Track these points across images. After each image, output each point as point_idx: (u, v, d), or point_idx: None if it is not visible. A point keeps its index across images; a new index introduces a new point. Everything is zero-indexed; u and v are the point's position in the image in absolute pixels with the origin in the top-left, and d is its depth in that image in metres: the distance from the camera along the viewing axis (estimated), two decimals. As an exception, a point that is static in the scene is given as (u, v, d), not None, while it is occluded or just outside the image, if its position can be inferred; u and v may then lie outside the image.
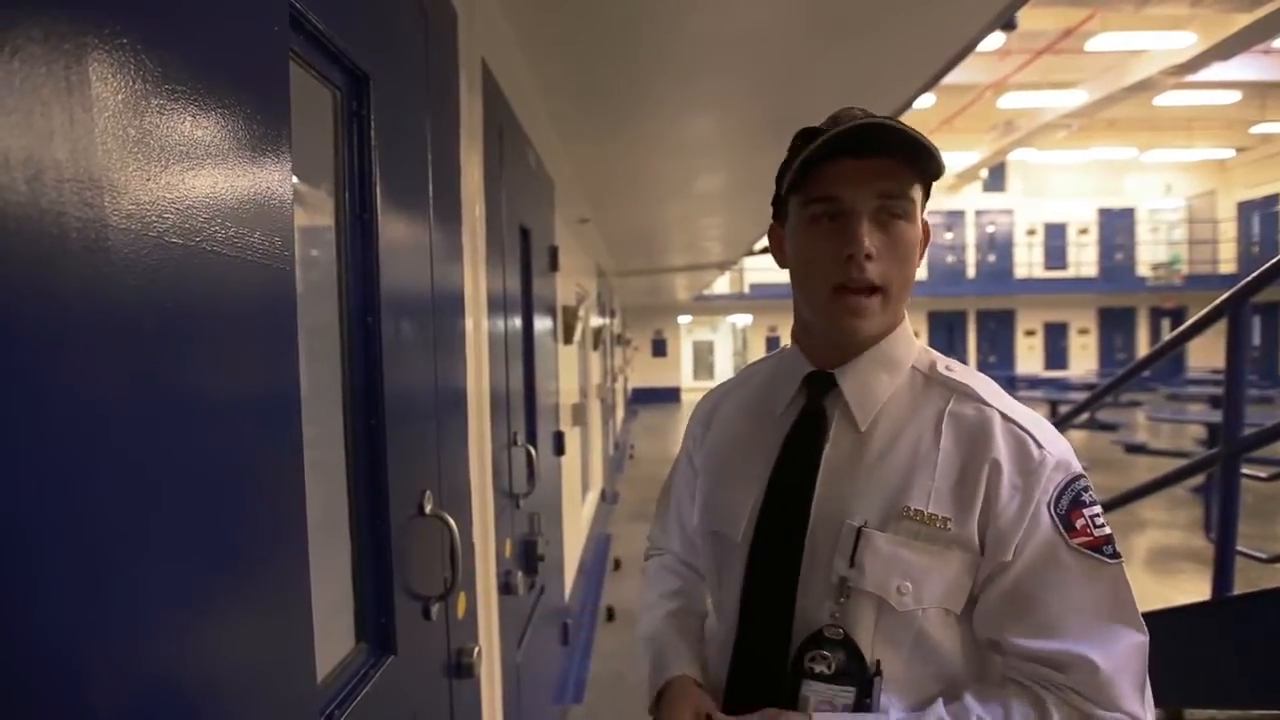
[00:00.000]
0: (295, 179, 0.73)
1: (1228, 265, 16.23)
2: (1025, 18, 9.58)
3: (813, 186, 0.68)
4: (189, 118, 0.49)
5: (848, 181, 0.66)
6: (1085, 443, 8.59)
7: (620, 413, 9.54)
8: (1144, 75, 9.17)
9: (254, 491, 0.58)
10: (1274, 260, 1.91)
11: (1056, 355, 17.17)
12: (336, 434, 0.84)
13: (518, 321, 1.88)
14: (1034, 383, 14.50)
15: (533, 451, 1.76)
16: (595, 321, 4.90)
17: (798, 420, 0.74)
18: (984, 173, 16.11)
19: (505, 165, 1.67)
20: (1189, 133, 14.95)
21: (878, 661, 0.66)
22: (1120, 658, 0.61)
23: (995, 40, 8.74)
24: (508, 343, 1.66)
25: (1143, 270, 16.75)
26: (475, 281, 1.39)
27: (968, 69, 11.27)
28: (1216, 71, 9.73)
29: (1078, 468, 0.66)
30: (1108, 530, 0.65)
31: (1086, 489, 0.65)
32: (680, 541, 0.90)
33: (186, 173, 0.49)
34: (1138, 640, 0.63)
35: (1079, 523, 0.64)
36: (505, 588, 1.55)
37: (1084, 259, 16.83)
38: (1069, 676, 0.61)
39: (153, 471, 0.45)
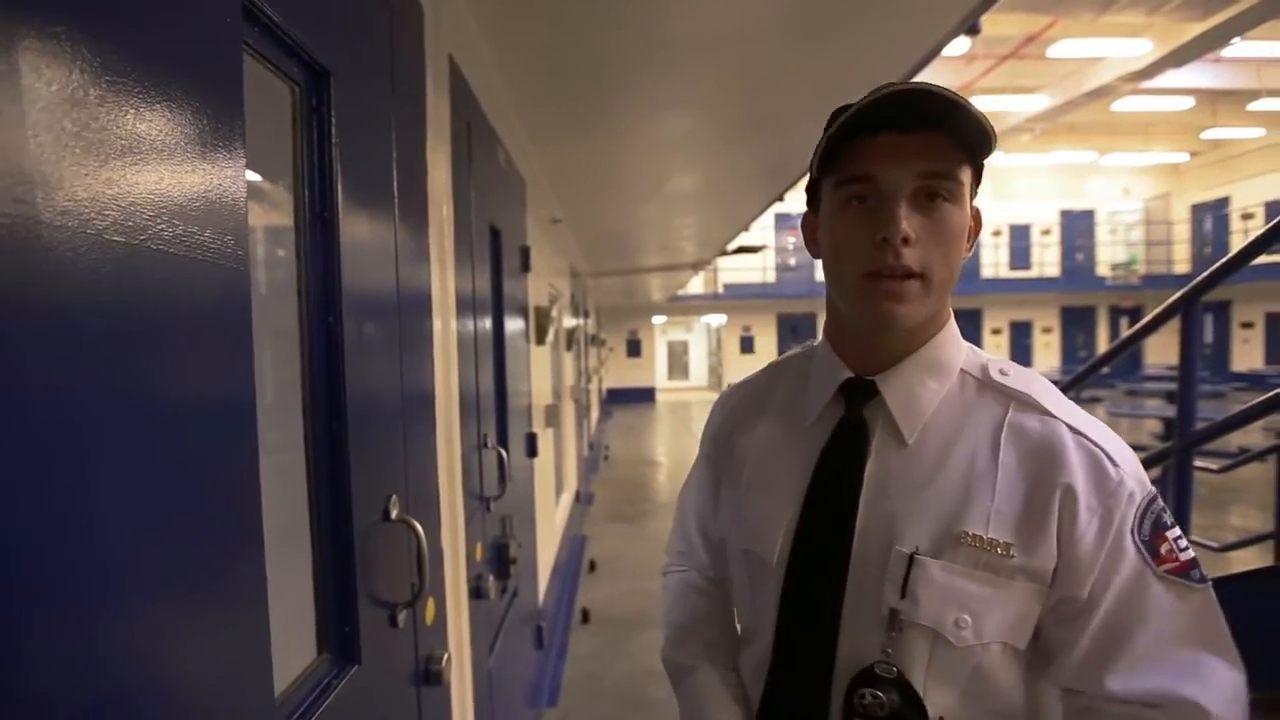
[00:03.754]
0: (254, 176, 0.71)
1: (1182, 265, 16.84)
2: (990, 24, 9.83)
3: (847, 166, 0.61)
4: (132, 111, 0.47)
5: (885, 159, 0.59)
6: (1049, 438, 8.83)
7: (595, 413, 9.52)
8: (1103, 81, 9.47)
9: (205, 499, 0.56)
10: (1222, 261, 1.98)
11: (1022, 353, 17.62)
12: (297, 439, 0.82)
13: (488, 322, 1.86)
14: (1000, 380, 14.82)
15: (504, 454, 1.74)
16: (569, 322, 4.88)
17: (836, 431, 0.67)
18: (951, 175, 16.45)
19: (474, 164, 1.65)
20: (1145, 137, 15.48)
21: (941, 717, 0.60)
22: (1221, 690, 0.55)
23: (961, 45, 8.94)
24: (477, 344, 1.64)
25: (1102, 270, 17.30)
26: (443, 282, 1.37)
27: (935, 73, 11.51)
28: (1171, 78, 10.09)
29: (1151, 485, 0.60)
30: (1192, 553, 0.59)
31: (1164, 509, 0.59)
32: (705, 553, 0.83)
33: (129, 168, 0.47)
34: (1237, 678, 0.56)
35: (1164, 548, 0.58)
36: (476, 592, 1.53)
37: (1047, 259, 17.31)
38: (1161, 713, 0.56)
39: (94, 480, 0.43)
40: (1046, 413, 0.61)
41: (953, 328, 0.67)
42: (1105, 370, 17.13)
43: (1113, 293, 17.11)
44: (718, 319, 18.46)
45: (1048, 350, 17.70)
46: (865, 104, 0.58)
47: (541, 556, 2.97)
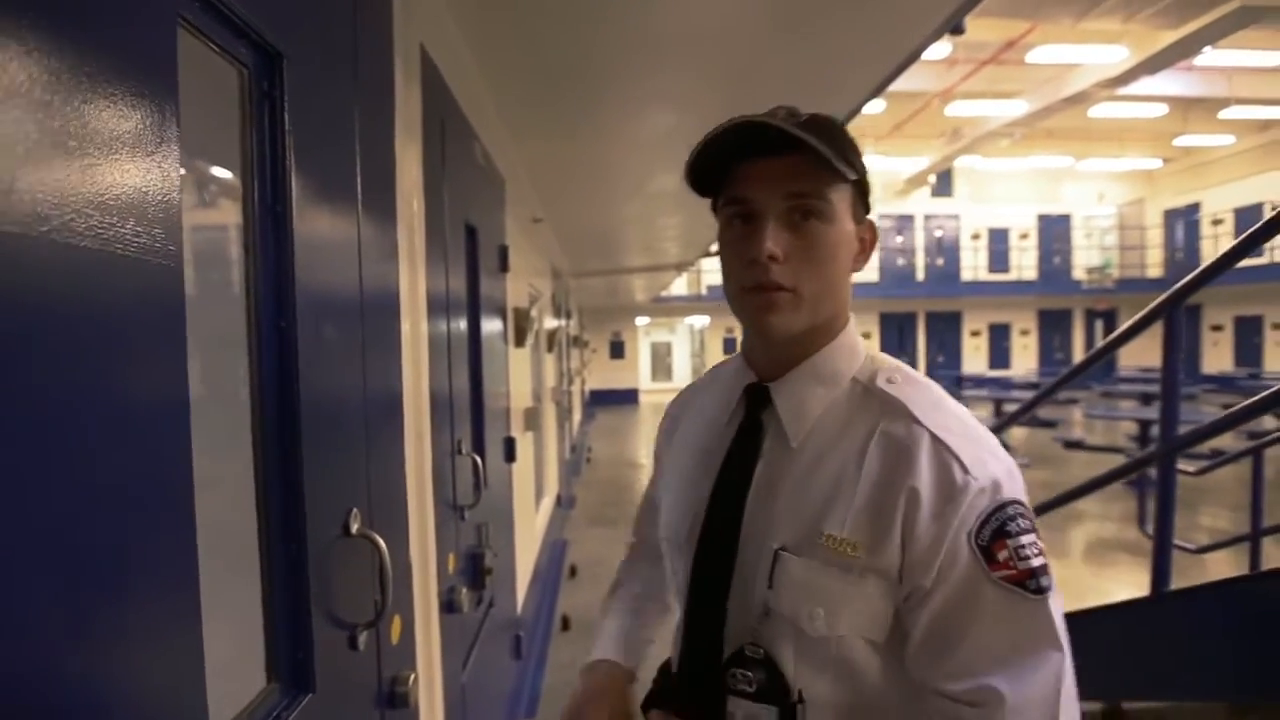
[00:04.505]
0: (196, 167, 0.65)
1: (1155, 269, 17.19)
2: (970, 29, 9.93)
3: (729, 187, 0.66)
4: (39, 88, 0.41)
5: (755, 181, 0.64)
6: (1027, 439, 8.94)
7: (578, 416, 9.45)
8: (1080, 87, 9.61)
9: (127, 516, 0.50)
10: (1205, 266, 1.98)
11: (1000, 355, 17.86)
12: (244, 451, 0.76)
13: (463, 324, 1.79)
14: (979, 382, 15.02)
15: (478, 460, 1.68)
16: (550, 323, 4.81)
17: (736, 434, 0.72)
18: (932, 178, 16.64)
19: (448, 159, 1.59)
20: (1120, 143, 15.78)
21: (800, 692, 0.64)
22: (1032, 689, 0.57)
23: (943, 49, 9.02)
24: (451, 347, 1.58)
25: (1078, 274, 17.58)
26: (413, 281, 1.31)
27: (917, 76, 11.62)
28: (1145, 85, 10.27)
29: (1011, 494, 0.61)
30: (1035, 562, 0.59)
31: (1015, 517, 0.60)
32: (648, 536, 0.91)
33: (33, 152, 0.41)
34: (1054, 667, 0.58)
35: (1002, 555, 0.59)
36: (448, 606, 1.46)
37: (1025, 263, 17.55)
38: (978, 712, 0.58)
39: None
40: (915, 420, 0.63)
41: (848, 337, 0.70)
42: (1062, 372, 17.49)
43: (1088, 296, 17.41)
44: (701, 320, 18.46)
45: (1026, 352, 17.96)
46: (717, 132, 0.62)
47: (521, 563, 2.91)
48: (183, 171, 0.57)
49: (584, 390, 12.23)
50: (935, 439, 0.61)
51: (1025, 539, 0.60)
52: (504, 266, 2.49)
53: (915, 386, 0.67)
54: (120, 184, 0.49)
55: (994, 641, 0.59)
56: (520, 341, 2.85)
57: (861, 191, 0.68)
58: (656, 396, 18.69)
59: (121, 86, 0.50)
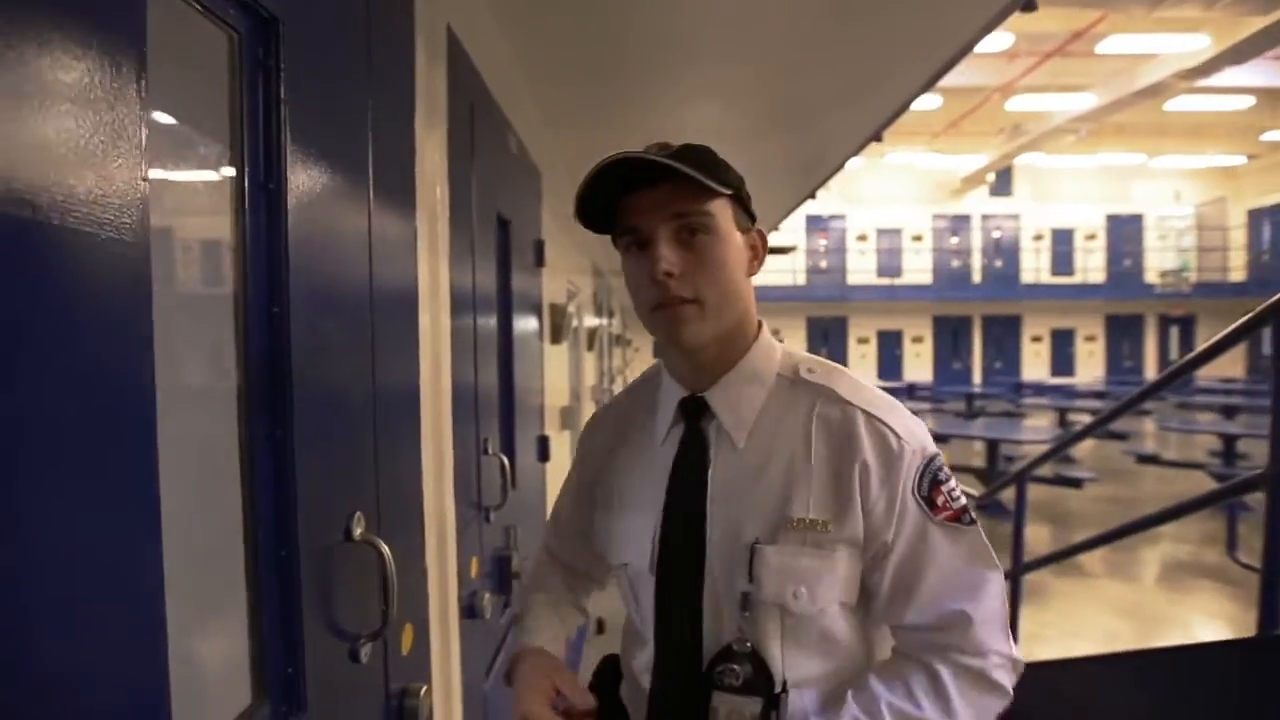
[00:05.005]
0: (186, 138, 0.60)
1: (1238, 273, 16.03)
2: (1033, 20, 9.42)
3: (620, 220, 0.72)
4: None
5: (642, 211, 0.70)
6: (1094, 451, 8.40)
7: (619, 416, 9.38)
8: (1155, 79, 9.02)
9: (79, 519, 0.44)
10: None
11: (1063, 362, 16.97)
12: (231, 449, 0.70)
13: (493, 319, 1.73)
14: (1040, 389, 14.30)
15: (505, 461, 1.61)
16: (590, 321, 4.76)
17: (680, 446, 0.76)
18: (990, 176, 15.96)
19: (478, 148, 1.53)
20: (1199, 139, 14.78)
21: (785, 681, 0.70)
22: (986, 606, 0.69)
23: (1004, 40, 8.59)
24: (478, 342, 1.52)
25: (1151, 277, 16.54)
26: (434, 272, 1.25)
27: (975, 71, 11.16)
28: (1228, 77, 9.57)
29: (932, 449, 0.72)
30: (963, 500, 0.71)
31: (941, 467, 0.71)
32: (566, 548, 0.95)
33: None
34: (995, 585, 0.70)
35: (940, 500, 0.70)
36: (470, 612, 1.40)
37: (1091, 265, 16.63)
38: (948, 634, 0.68)
39: None
40: (846, 401, 0.71)
41: (765, 339, 0.77)
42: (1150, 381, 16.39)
43: (1162, 300, 16.36)
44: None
45: (1091, 359, 17.01)
46: (595, 170, 0.69)
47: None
48: (147, 138, 0.51)
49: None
50: (868, 415, 0.70)
51: (951, 483, 0.71)
52: (540, 261, 2.43)
53: (833, 374, 0.74)
54: (72, 154, 0.44)
55: (949, 572, 0.69)
56: (557, 338, 2.79)
57: (741, 204, 0.74)
58: None
59: (81, 46, 0.44)
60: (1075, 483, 5.37)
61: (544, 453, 2.41)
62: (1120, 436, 8.67)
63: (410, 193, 1.12)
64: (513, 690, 0.78)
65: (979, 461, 6.36)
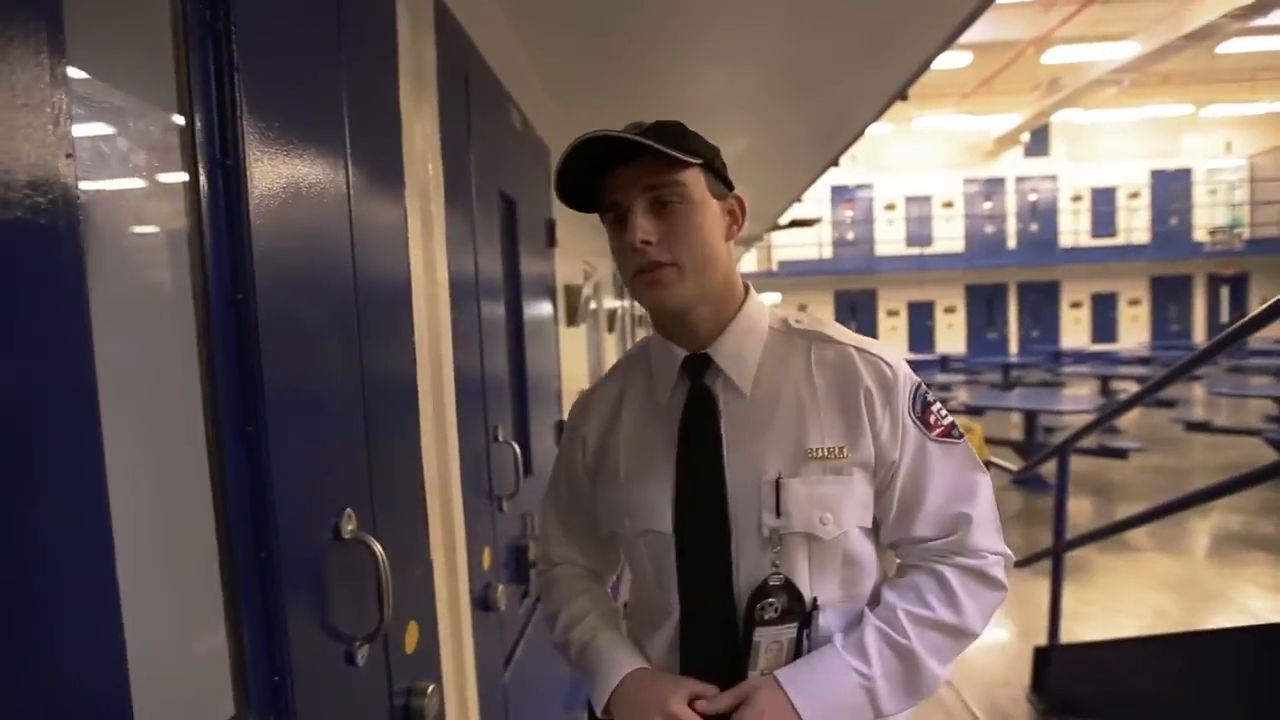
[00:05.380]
0: (128, 108, 0.54)
1: (1295, 227, 15.17)
2: (1072, -35, 8.87)
3: (604, 198, 0.77)
4: None
5: (619, 187, 0.75)
6: (1139, 419, 8.08)
7: (645, 396, 9.33)
8: (1205, 20, 8.46)
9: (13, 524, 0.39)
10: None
11: (1105, 328, 16.35)
12: (198, 447, 0.65)
13: (500, 301, 1.68)
14: (1080, 357, 13.81)
15: (516, 449, 1.57)
16: (611, 303, 4.69)
17: (687, 402, 0.80)
18: (1025, 136, 15.30)
19: (475, 122, 1.46)
20: (1252, 85, 13.92)
21: (814, 599, 0.75)
22: (981, 508, 0.76)
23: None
24: (483, 326, 1.46)
25: (1200, 235, 15.76)
26: (430, 254, 1.19)
27: (1008, 23, 10.62)
28: (1286, 14, 8.94)
29: (916, 376, 0.79)
30: (950, 418, 0.79)
31: (926, 391, 0.79)
32: (583, 552, 0.95)
33: None
34: (986, 489, 0.78)
35: (931, 419, 0.77)
36: (483, 604, 1.36)
37: (1135, 225, 15.91)
38: (950, 540, 0.75)
39: None
40: (838, 342, 0.79)
41: (754, 297, 0.82)
42: (1202, 344, 15.65)
43: (1211, 259, 15.59)
44: (772, 298, 17.91)
45: (1135, 324, 16.35)
46: (570, 151, 0.73)
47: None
48: (68, 107, 0.45)
49: (652, 371, 12.13)
50: (859, 350, 0.78)
51: (937, 404, 0.79)
52: (551, 241, 2.36)
53: (819, 322, 0.82)
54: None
55: (947, 482, 0.76)
56: (573, 321, 2.74)
57: (715, 173, 0.77)
58: None
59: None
60: (1120, 453, 5.15)
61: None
62: (1168, 404, 8.31)
63: (397, 169, 1.06)
64: (625, 711, 0.77)
65: (1016, 434, 6.15)
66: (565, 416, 2.48)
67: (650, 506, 0.79)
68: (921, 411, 0.77)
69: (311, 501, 0.77)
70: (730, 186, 0.80)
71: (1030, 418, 5.57)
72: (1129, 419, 8.07)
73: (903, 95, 2.87)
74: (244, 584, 0.67)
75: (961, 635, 0.75)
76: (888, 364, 0.77)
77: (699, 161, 0.74)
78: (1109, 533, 2.24)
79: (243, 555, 0.67)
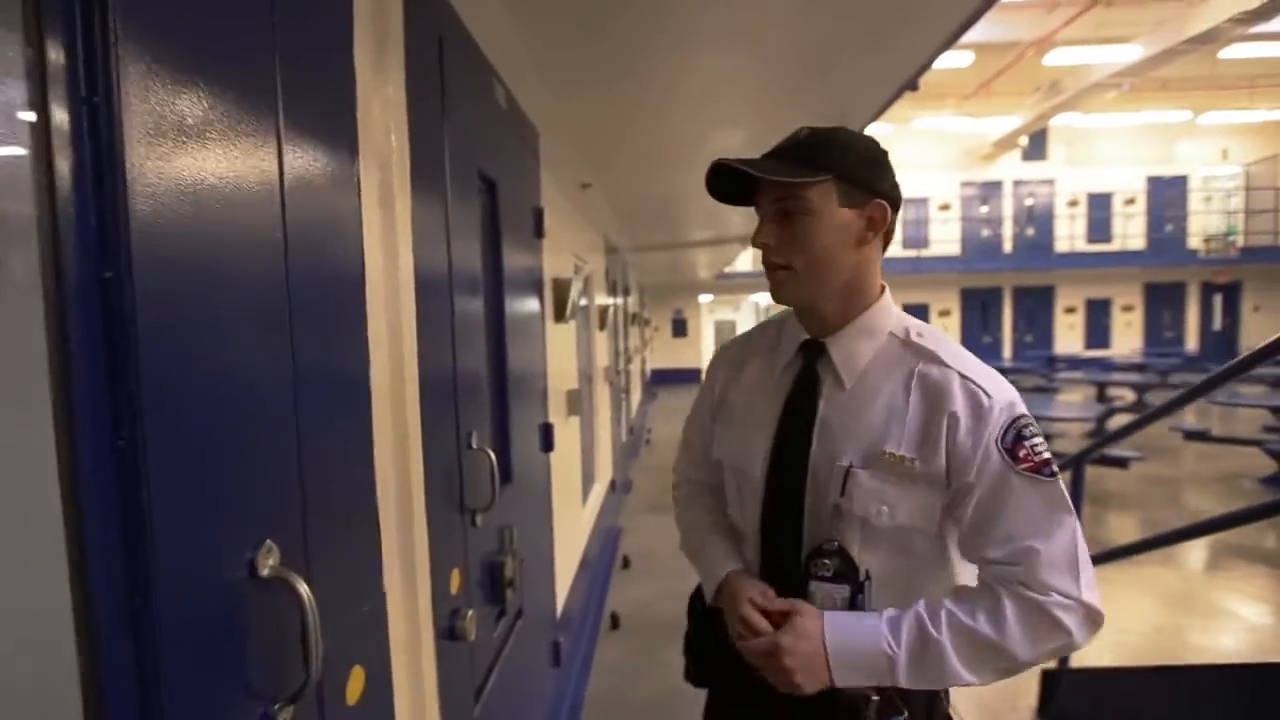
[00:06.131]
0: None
1: (1289, 236, 15.17)
2: (1075, -34, 8.78)
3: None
4: None
5: (759, 194, 0.88)
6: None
7: (636, 396, 9.21)
8: (1209, 24, 8.38)
9: None
10: None
11: (1098, 334, 16.33)
12: (44, 465, 0.50)
13: (479, 294, 1.53)
14: (1074, 363, 13.76)
15: (492, 456, 1.42)
16: (602, 300, 4.54)
17: (796, 379, 0.91)
18: (1024, 140, 15.24)
19: (451, 92, 1.31)
20: (1250, 93, 13.91)
21: (867, 570, 0.85)
22: (1056, 547, 0.78)
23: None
24: (456, 321, 1.31)
25: (1194, 243, 15.75)
26: (390, 235, 1.03)
27: (1010, 24, 10.53)
28: (1288, 21, 8.88)
29: (1020, 410, 0.82)
30: (1046, 455, 0.80)
31: (1026, 426, 0.81)
32: (705, 470, 1.08)
33: None
34: (1070, 528, 0.79)
35: (1021, 452, 0.79)
36: (450, 633, 1.21)
37: (1130, 231, 15.89)
38: (1018, 569, 0.78)
39: None
40: (945, 364, 0.85)
41: (884, 302, 0.90)
42: (1193, 352, 15.51)
43: (1206, 267, 15.58)
44: (766, 297, 17.79)
45: (1129, 330, 16.34)
46: (709, 175, 0.88)
47: (564, 558, 2.67)
48: None
49: (645, 370, 11.99)
50: (963, 376, 0.83)
51: (1036, 440, 0.81)
52: (539, 232, 2.21)
53: (938, 339, 0.87)
54: None
55: (1024, 514, 0.79)
56: (561, 317, 2.58)
57: (853, 181, 0.84)
58: None
59: None
60: (1120, 462, 5.04)
61: (547, 442, 2.21)
62: (1164, 411, 8.23)
63: (348, 134, 0.91)
64: (725, 606, 0.92)
65: (1015, 439, 6.05)
66: (551, 419, 2.33)
67: (746, 451, 0.93)
68: (1012, 444, 0.80)
69: (215, 533, 0.62)
70: (876, 192, 0.85)
71: (1029, 424, 5.46)
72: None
73: (913, 86, 2.73)
74: (109, 644, 0.52)
75: (1001, 655, 0.79)
76: (987, 394, 0.81)
77: (821, 178, 0.83)
78: (1127, 553, 2.11)
79: (108, 604, 0.52)
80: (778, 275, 0.87)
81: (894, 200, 0.87)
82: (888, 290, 0.90)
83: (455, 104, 1.34)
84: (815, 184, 0.83)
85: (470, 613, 1.27)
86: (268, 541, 0.68)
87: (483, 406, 1.52)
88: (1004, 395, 0.81)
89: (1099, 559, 2.19)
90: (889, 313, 0.89)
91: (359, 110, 0.94)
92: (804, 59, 2.54)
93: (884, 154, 0.88)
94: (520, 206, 2.00)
